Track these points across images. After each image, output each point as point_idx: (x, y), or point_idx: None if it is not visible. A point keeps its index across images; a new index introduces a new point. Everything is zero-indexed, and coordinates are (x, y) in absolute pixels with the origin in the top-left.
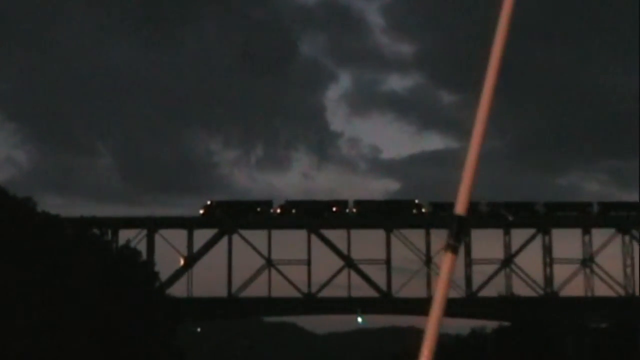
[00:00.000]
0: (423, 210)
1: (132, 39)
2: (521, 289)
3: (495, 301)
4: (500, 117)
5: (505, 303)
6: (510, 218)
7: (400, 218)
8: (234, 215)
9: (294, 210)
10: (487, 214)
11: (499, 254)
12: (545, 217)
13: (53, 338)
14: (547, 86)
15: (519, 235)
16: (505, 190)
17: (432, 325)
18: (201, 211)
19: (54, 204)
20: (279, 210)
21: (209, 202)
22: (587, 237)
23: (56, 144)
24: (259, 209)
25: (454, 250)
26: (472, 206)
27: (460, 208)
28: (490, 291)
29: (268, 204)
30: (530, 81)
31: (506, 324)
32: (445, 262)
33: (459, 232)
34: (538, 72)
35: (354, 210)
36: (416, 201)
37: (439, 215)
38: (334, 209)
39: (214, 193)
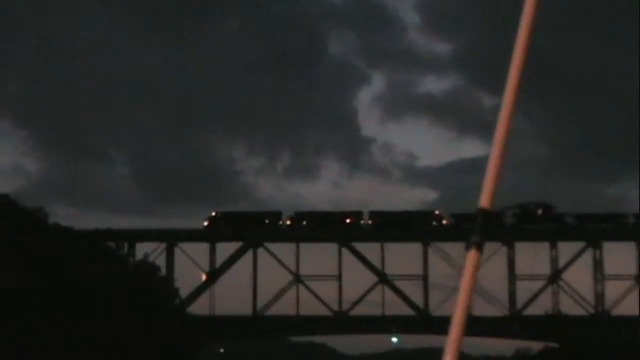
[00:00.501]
0: (444, 222)
1: (148, 38)
2: (569, 307)
3: (542, 320)
4: (548, 123)
5: (552, 322)
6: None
7: (418, 230)
8: (240, 228)
9: (304, 222)
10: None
11: (545, 269)
12: (591, 231)
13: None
14: (600, 90)
15: (567, 249)
16: (551, 199)
17: (454, 334)
18: (205, 223)
19: (66, 215)
20: (288, 222)
21: (213, 214)
22: None
23: (68, 152)
24: (267, 221)
25: (479, 247)
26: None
27: (485, 201)
28: (536, 309)
29: (277, 215)
30: (582, 85)
31: (553, 345)
32: (469, 261)
33: (484, 227)
34: (591, 77)
35: (370, 222)
36: (436, 212)
37: (461, 227)
38: (348, 220)
39: (236, 203)
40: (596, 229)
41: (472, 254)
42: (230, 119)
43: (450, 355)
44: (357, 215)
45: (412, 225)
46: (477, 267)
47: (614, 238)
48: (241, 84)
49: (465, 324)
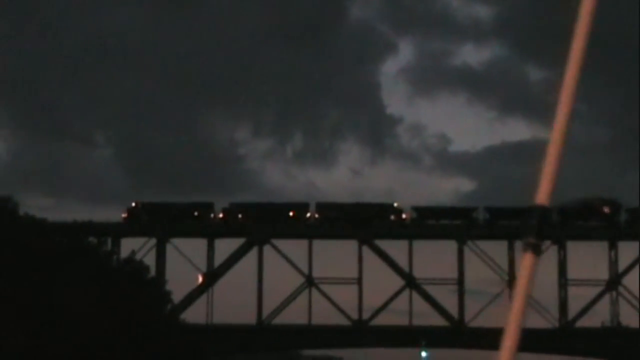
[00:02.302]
0: (404, 216)
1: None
2: (630, 318)
3: (598, 333)
4: (608, 103)
5: (610, 335)
6: (606, 210)
7: (373, 226)
8: (262, 221)
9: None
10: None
11: (603, 273)
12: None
13: None
14: None
15: (629, 250)
16: (610, 190)
17: (507, 350)
18: (220, 215)
19: (39, 206)
20: (317, 216)
21: (133, 204)
22: None
23: (43, 131)
24: (291, 213)
25: (536, 250)
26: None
27: (542, 197)
28: (591, 320)
29: (304, 207)
30: None
31: None
32: (524, 265)
33: (541, 227)
34: None
35: (316, 215)
36: (395, 205)
37: (423, 223)
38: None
39: (239, 193)
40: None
41: (527, 257)
42: (233, 94)
43: None
44: (382, 208)
45: (368, 219)
46: (533, 273)
47: None
48: (247, 54)
49: (519, 338)
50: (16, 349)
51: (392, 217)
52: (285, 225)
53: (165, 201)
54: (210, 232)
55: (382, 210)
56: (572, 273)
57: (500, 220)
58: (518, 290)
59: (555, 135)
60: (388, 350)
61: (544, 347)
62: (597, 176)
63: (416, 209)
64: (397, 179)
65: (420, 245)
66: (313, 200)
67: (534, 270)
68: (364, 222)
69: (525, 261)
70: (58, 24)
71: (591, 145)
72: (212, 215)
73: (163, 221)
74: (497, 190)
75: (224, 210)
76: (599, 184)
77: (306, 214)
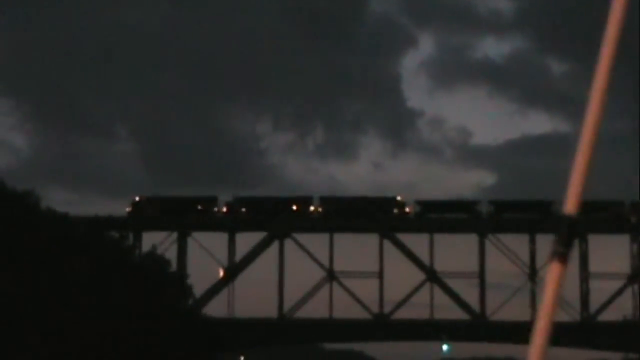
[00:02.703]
0: (407, 209)
1: None
2: None
3: (619, 327)
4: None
5: (631, 330)
6: (634, 220)
7: (376, 219)
8: (266, 215)
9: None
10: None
11: (624, 266)
12: None
13: None
14: None
15: None
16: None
17: (534, 358)
18: (224, 209)
19: (61, 200)
20: (319, 209)
21: (137, 198)
22: None
23: (64, 125)
24: (295, 207)
25: (563, 259)
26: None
27: (570, 207)
28: (612, 314)
29: (307, 200)
30: None
31: (633, 356)
32: (551, 274)
33: (570, 236)
34: None
35: (319, 209)
36: (398, 198)
37: (426, 216)
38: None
39: (260, 186)
40: None
41: (555, 267)
42: (254, 88)
43: None
44: (304, 201)
45: (369, 212)
46: (560, 282)
47: None
48: (267, 48)
49: (548, 344)
50: (37, 341)
51: (395, 210)
52: (306, 219)
53: (169, 195)
54: (231, 225)
55: (385, 203)
56: (593, 266)
57: (506, 212)
58: (545, 299)
59: (583, 143)
60: (409, 344)
61: (566, 340)
62: (619, 168)
63: (419, 202)
64: (418, 172)
65: (439, 239)
66: (333, 193)
67: (561, 279)
68: (366, 216)
69: (553, 270)
70: (79, 18)
71: (614, 138)
72: (215, 209)
73: (172, 215)
74: (518, 183)
75: (227, 204)
76: (621, 177)
77: (309, 207)
